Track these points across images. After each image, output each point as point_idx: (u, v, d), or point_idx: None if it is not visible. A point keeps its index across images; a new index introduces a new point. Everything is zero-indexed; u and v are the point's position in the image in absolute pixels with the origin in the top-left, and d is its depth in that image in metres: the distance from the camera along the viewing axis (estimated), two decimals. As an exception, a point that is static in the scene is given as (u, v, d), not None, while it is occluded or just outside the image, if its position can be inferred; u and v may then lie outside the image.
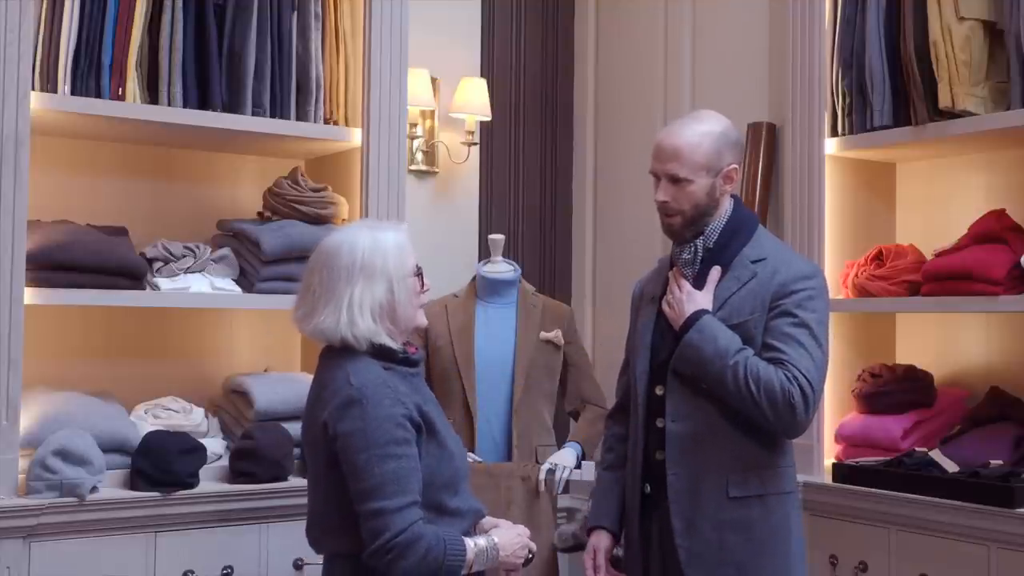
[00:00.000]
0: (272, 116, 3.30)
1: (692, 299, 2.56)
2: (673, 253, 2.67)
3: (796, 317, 2.51)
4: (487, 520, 2.46)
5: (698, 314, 2.53)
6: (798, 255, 2.77)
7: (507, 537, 2.37)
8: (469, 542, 2.29)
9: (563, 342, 3.98)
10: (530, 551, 2.44)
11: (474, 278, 4.04)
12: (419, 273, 2.37)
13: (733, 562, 2.52)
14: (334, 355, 2.32)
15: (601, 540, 2.75)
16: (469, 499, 2.41)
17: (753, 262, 2.58)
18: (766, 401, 2.45)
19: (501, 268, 4.00)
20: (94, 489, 2.91)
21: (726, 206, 2.63)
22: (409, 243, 2.38)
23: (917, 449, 3.29)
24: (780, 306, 2.52)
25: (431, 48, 4.18)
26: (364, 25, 3.43)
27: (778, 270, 2.56)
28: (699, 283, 2.60)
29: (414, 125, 4.17)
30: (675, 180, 2.58)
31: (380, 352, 2.30)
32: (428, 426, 2.28)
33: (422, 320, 2.41)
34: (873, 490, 3.21)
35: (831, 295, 3.39)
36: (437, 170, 4.31)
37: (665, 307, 2.61)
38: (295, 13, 3.34)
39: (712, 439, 2.54)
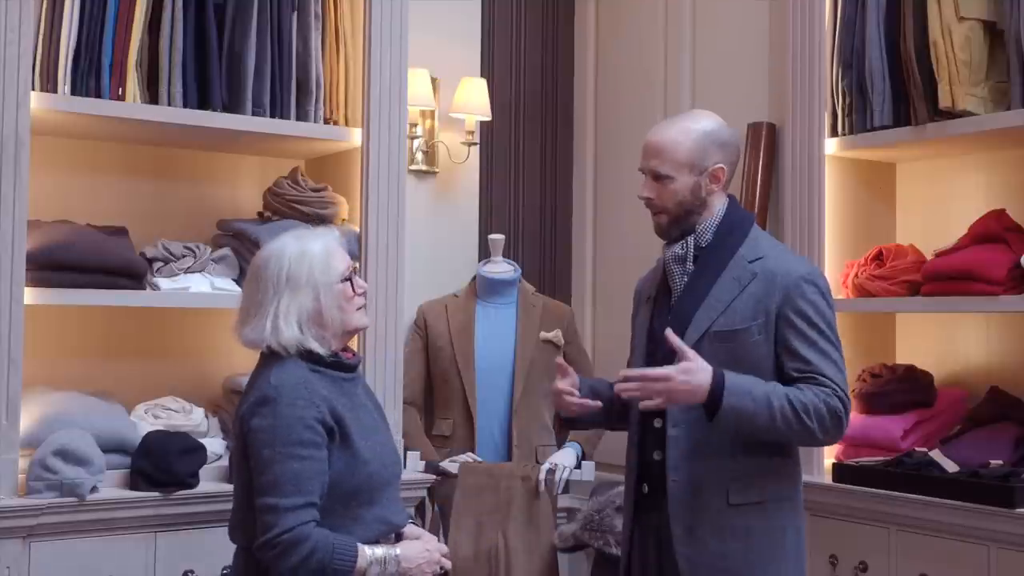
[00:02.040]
0: (272, 116, 3.30)
1: (692, 370, 2.39)
2: (665, 251, 2.66)
3: (811, 323, 2.50)
4: (409, 529, 2.48)
5: (718, 379, 2.40)
6: (795, 255, 2.76)
7: (413, 550, 2.38)
8: (365, 550, 2.29)
9: (563, 342, 3.98)
10: (442, 568, 2.44)
11: (474, 278, 4.05)
12: (348, 277, 2.40)
13: (732, 569, 2.51)
14: (266, 358, 2.39)
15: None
16: (387, 510, 2.40)
17: (751, 262, 2.56)
18: (818, 426, 2.44)
19: (501, 268, 4.01)
20: (94, 489, 2.91)
21: (719, 205, 2.62)
22: (339, 248, 2.44)
23: (917, 449, 3.29)
24: (790, 312, 2.50)
25: (431, 48, 4.18)
26: (364, 25, 3.43)
27: (779, 273, 2.53)
28: (693, 282, 2.59)
29: (414, 125, 4.17)
30: (657, 177, 2.58)
31: (309, 356, 2.35)
32: (341, 431, 2.32)
33: (359, 321, 2.44)
34: (873, 490, 3.21)
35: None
36: (437, 170, 4.30)
37: (665, 401, 2.40)
38: (295, 13, 3.34)
39: (714, 445, 2.51)
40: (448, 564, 2.47)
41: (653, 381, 2.39)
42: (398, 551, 2.35)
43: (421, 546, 2.41)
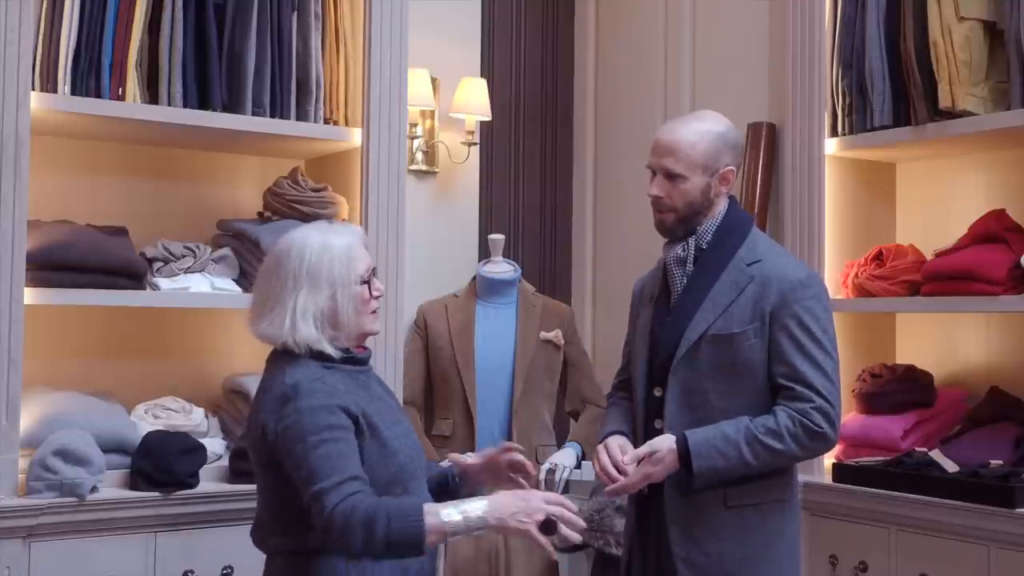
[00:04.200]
0: (272, 116, 3.30)
1: (658, 458, 2.48)
2: (665, 251, 2.66)
3: (804, 328, 2.50)
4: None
5: (682, 442, 2.47)
6: (793, 258, 2.76)
7: (502, 500, 2.15)
8: (438, 510, 2.13)
9: (563, 342, 3.98)
10: (551, 515, 2.13)
11: (474, 278, 4.05)
12: (367, 280, 2.35)
13: (728, 570, 2.51)
14: (277, 358, 2.34)
15: (613, 439, 2.61)
16: (423, 498, 2.32)
17: (748, 264, 2.57)
18: (797, 447, 2.47)
19: (501, 268, 4.01)
20: (94, 489, 2.91)
21: (721, 206, 2.63)
22: (362, 248, 2.38)
23: (917, 449, 3.29)
24: (784, 317, 2.50)
25: (431, 48, 4.18)
26: (364, 25, 3.43)
27: (776, 277, 2.53)
28: (692, 284, 2.59)
29: (414, 125, 4.17)
30: (670, 176, 2.58)
31: (321, 355, 2.30)
32: (368, 422, 2.27)
33: (371, 327, 2.38)
34: (873, 490, 3.21)
35: (831, 295, 3.40)
36: (437, 170, 4.31)
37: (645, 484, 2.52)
38: (295, 13, 3.34)
39: None
40: (563, 512, 2.13)
41: (640, 480, 2.50)
42: (483, 504, 2.13)
43: (511, 497, 2.16)
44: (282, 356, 2.32)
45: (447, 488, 2.47)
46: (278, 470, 2.24)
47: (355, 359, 2.36)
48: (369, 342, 3.30)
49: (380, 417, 2.31)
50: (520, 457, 2.43)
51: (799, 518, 2.67)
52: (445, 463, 2.53)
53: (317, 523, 2.15)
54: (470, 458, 2.49)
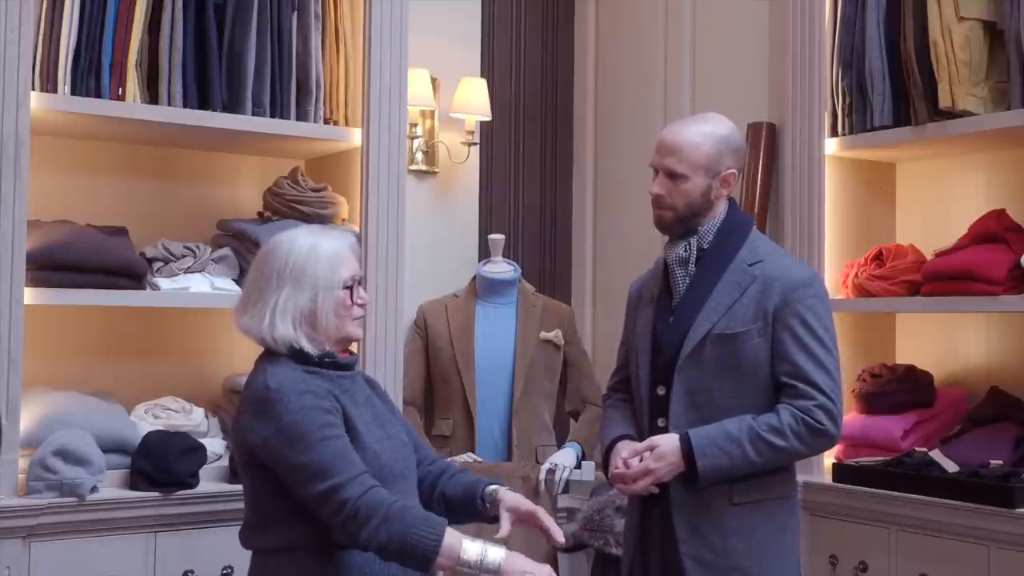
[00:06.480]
0: (272, 116, 3.30)
1: (663, 453, 2.50)
2: (666, 251, 2.67)
3: (807, 327, 2.52)
4: (508, 496, 2.38)
5: (685, 441, 2.49)
6: (793, 259, 2.78)
7: (518, 561, 2.18)
8: (457, 535, 2.15)
9: (563, 342, 3.99)
10: None
11: (474, 278, 4.05)
12: (350, 286, 2.34)
13: (736, 567, 2.53)
14: (261, 359, 2.35)
15: (623, 444, 2.63)
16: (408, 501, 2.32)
17: (750, 265, 2.58)
18: (800, 444, 2.49)
19: (501, 268, 4.01)
20: (94, 489, 2.91)
21: (721, 208, 2.64)
22: (350, 255, 2.38)
23: (917, 449, 3.29)
24: (786, 317, 2.52)
25: (431, 48, 4.18)
26: (364, 25, 3.43)
27: (777, 277, 2.55)
28: (695, 284, 2.60)
29: (414, 125, 4.17)
30: (672, 175, 2.59)
31: (301, 356, 2.30)
32: (348, 425, 2.27)
33: (352, 332, 2.37)
34: (873, 490, 3.21)
35: (831, 295, 3.40)
36: (437, 170, 4.31)
37: (650, 486, 2.53)
38: (295, 13, 3.34)
39: None
40: None
41: (643, 475, 2.51)
42: (502, 554, 2.15)
43: (525, 561, 2.18)
44: (265, 357, 2.34)
45: (472, 506, 2.43)
46: (261, 470, 2.25)
47: (338, 364, 2.36)
48: (369, 342, 3.33)
49: (360, 420, 2.32)
50: (547, 526, 2.37)
51: (800, 515, 2.68)
52: (485, 480, 2.46)
53: (337, 515, 2.15)
54: (519, 503, 2.41)
